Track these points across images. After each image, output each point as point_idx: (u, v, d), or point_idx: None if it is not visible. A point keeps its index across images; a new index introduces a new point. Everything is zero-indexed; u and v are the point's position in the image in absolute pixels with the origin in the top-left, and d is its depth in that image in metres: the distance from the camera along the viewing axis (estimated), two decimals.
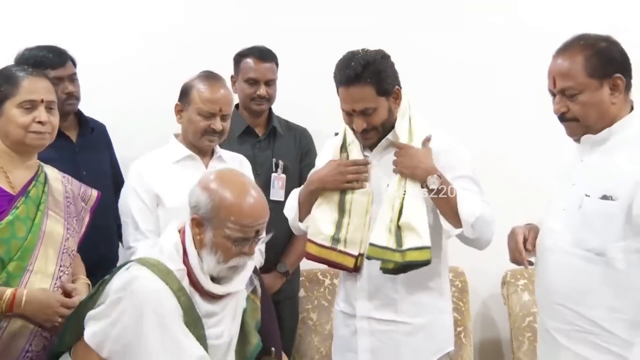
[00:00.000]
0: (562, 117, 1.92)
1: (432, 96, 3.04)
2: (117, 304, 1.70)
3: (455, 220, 2.04)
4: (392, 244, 2.04)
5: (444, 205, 2.06)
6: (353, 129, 2.14)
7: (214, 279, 1.80)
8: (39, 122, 1.94)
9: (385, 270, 2.08)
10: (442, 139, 2.16)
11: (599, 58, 1.86)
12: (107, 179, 2.68)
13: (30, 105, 1.93)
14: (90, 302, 1.80)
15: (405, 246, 2.02)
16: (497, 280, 3.24)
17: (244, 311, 1.92)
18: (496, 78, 3.27)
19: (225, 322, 1.84)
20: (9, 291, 1.83)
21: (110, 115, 2.90)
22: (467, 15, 3.30)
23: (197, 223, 1.78)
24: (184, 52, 3.08)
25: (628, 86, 1.89)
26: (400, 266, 2.04)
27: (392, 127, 2.14)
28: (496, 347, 3.42)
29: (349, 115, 2.11)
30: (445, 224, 2.08)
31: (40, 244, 1.92)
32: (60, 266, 1.97)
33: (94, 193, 2.19)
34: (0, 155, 1.96)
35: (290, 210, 2.28)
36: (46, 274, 1.92)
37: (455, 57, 3.27)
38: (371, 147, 2.18)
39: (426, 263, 2.02)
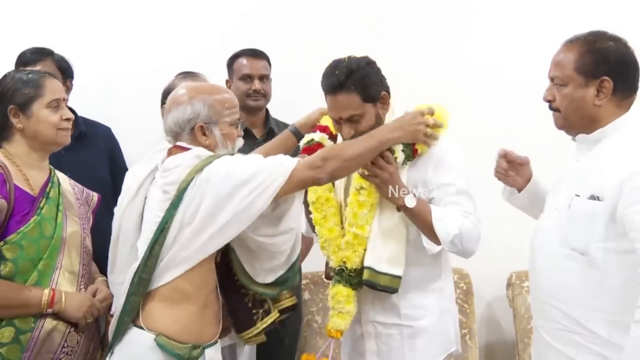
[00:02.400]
0: (549, 105, 1.94)
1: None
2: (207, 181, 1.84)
3: (434, 238, 2.09)
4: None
5: (421, 224, 2.10)
6: (343, 138, 2.16)
7: None
8: (67, 120, 2.06)
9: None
10: (442, 145, 2.16)
11: (592, 56, 1.86)
12: (96, 180, 2.64)
13: (57, 104, 2.05)
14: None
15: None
16: (502, 282, 3.28)
17: None
18: (498, 78, 3.31)
19: None
20: (46, 289, 1.93)
21: (120, 120, 3.00)
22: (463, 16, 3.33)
23: (203, 129, 1.95)
24: (188, 60, 3.08)
25: (623, 91, 1.86)
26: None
27: None
28: (502, 349, 3.44)
29: (338, 123, 2.14)
30: (426, 242, 2.12)
31: (64, 243, 2.00)
32: (83, 265, 2.07)
33: (95, 196, 2.26)
34: (19, 157, 2.02)
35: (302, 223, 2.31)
36: (73, 272, 2.02)
37: (456, 58, 3.30)
38: None
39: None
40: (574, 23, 2.94)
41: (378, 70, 2.13)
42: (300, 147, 2.26)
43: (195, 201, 1.82)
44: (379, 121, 2.14)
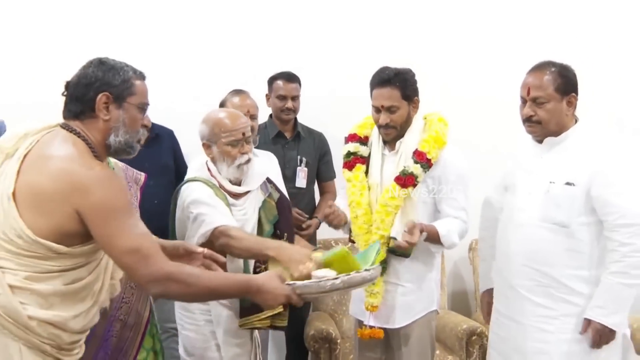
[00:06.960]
0: (528, 120, 2.23)
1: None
2: (188, 208, 2.31)
3: (439, 245, 2.49)
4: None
5: (431, 241, 2.47)
6: (379, 125, 2.52)
7: (234, 184, 2.38)
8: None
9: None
10: (447, 152, 2.51)
11: (562, 79, 2.20)
12: (168, 174, 3.23)
13: None
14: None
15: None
16: (465, 247, 3.79)
17: (260, 208, 2.45)
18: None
19: (248, 212, 2.39)
20: None
21: (178, 122, 3.43)
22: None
23: (206, 146, 2.34)
24: (234, 75, 3.60)
25: (575, 103, 2.23)
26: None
27: (406, 129, 2.52)
28: (464, 296, 3.99)
29: (378, 113, 2.48)
30: (432, 247, 2.50)
31: None
32: None
33: (142, 176, 2.52)
34: None
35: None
36: None
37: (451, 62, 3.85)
38: (388, 144, 2.56)
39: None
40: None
41: (416, 81, 2.52)
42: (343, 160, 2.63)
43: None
44: (408, 119, 2.50)
